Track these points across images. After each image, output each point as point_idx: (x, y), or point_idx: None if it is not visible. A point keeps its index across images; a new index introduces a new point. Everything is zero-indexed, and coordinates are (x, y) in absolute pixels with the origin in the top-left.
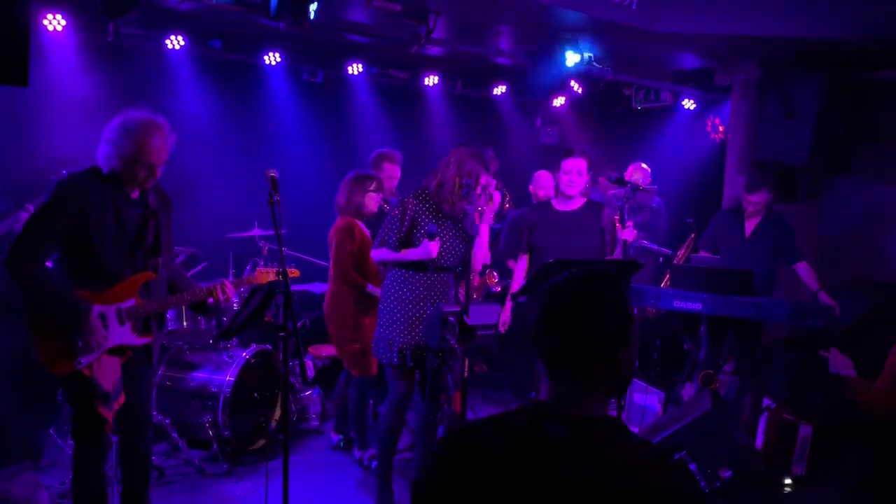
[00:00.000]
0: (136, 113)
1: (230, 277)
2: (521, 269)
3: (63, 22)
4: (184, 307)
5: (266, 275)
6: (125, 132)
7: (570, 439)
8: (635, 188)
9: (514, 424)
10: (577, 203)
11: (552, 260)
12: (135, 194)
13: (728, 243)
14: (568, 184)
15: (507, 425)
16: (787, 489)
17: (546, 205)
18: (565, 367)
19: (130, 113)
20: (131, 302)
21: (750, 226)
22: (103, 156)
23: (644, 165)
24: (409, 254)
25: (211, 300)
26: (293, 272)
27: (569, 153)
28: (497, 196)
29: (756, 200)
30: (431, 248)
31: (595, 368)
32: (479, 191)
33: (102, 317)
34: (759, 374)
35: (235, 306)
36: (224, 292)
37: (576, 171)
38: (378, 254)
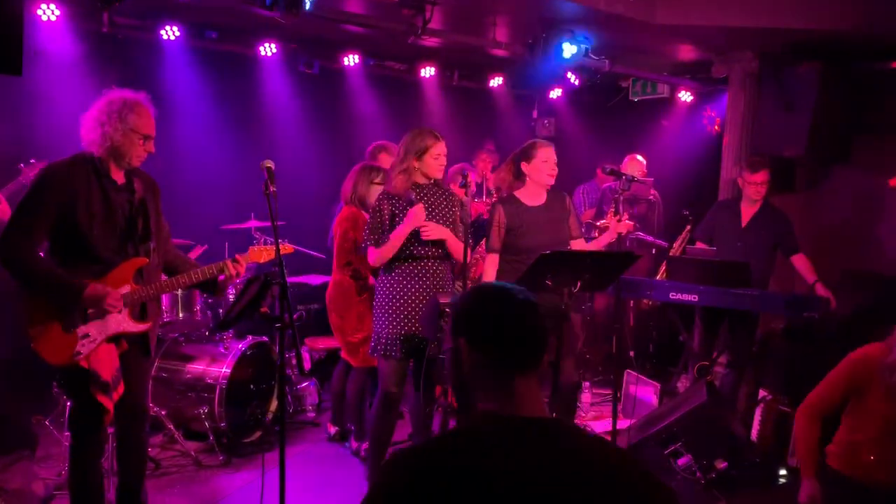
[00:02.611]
0: (114, 92)
1: (226, 253)
2: (491, 267)
3: (57, 12)
4: (179, 295)
5: (261, 252)
6: (109, 108)
7: (550, 439)
8: (631, 179)
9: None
10: (542, 195)
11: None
12: (121, 179)
13: (724, 234)
14: (550, 173)
15: (479, 440)
16: (782, 480)
17: (515, 201)
18: (532, 363)
19: (109, 93)
20: (126, 289)
21: (747, 216)
22: (97, 138)
23: (640, 157)
24: (398, 231)
25: (223, 277)
26: (286, 248)
27: (540, 142)
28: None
29: (759, 180)
30: (416, 211)
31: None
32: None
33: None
34: (755, 365)
35: (231, 297)
36: (235, 267)
37: (554, 161)
38: (371, 255)
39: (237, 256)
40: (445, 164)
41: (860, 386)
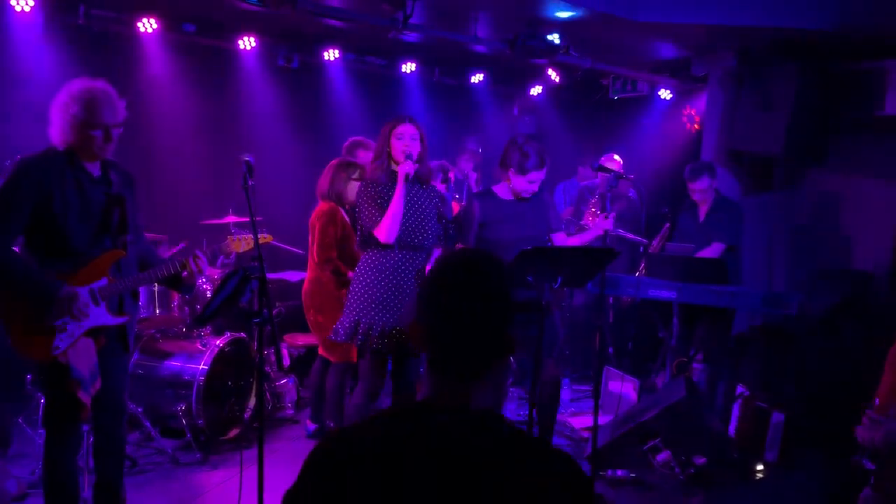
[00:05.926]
0: (79, 81)
1: (204, 247)
2: None
3: (31, 2)
4: (156, 291)
5: (238, 242)
6: (71, 99)
7: (450, 428)
8: (619, 176)
9: (392, 424)
10: None
11: (507, 251)
12: (96, 172)
13: (686, 231)
14: (526, 191)
15: (384, 425)
16: (760, 475)
17: (490, 195)
18: (457, 359)
19: (72, 83)
20: (103, 282)
21: (702, 212)
22: (56, 131)
23: (616, 157)
24: (397, 194)
25: (185, 273)
26: (264, 238)
27: (534, 159)
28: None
29: (699, 188)
30: (405, 166)
31: (487, 357)
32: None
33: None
34: (733, 361)
35: (209, 293)
36: (196, 264)
37: (538, 182)
38: (381, 229)
39: (197, 251)
40: (415, 147)
41: None
